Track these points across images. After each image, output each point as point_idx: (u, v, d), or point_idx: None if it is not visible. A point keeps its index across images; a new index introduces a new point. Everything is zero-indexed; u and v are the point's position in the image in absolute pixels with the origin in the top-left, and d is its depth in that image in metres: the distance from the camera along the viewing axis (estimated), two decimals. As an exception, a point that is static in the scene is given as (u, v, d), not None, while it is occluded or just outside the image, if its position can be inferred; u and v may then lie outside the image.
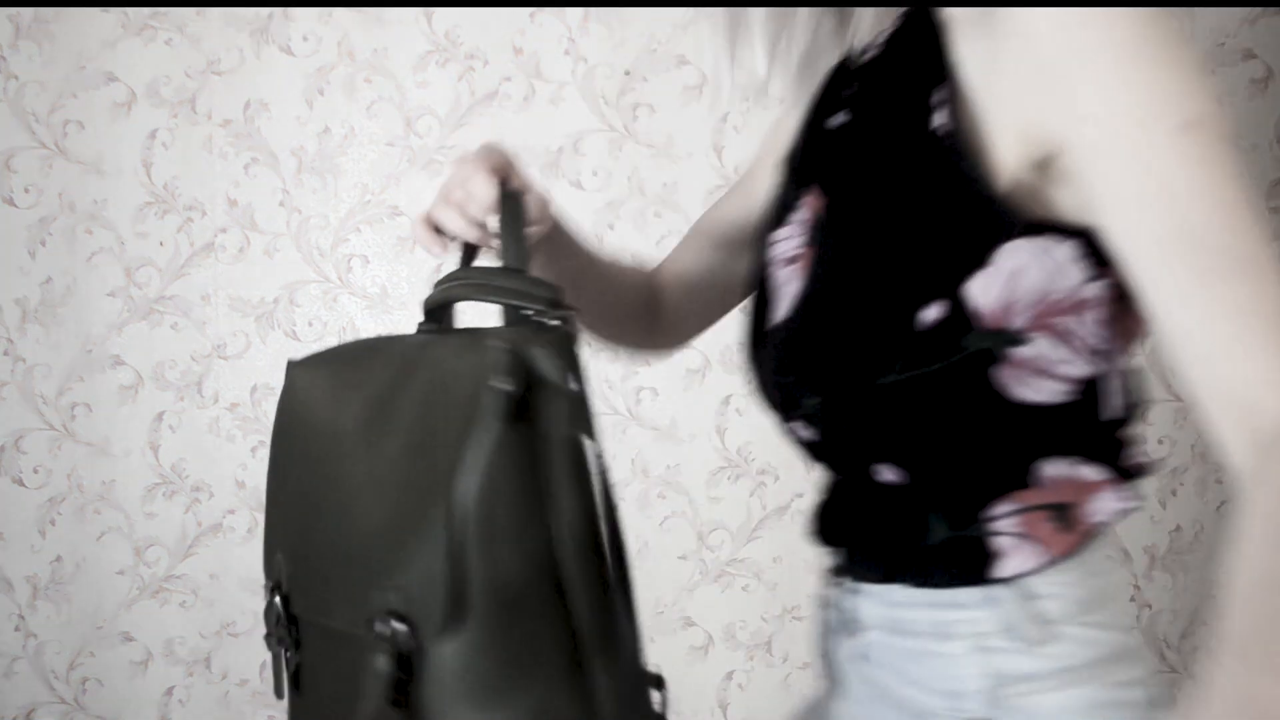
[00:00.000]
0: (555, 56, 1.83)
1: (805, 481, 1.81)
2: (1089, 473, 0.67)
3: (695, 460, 1.86)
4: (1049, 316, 0.60)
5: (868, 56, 0.71)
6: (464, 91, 1.85)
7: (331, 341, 1.88)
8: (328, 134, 1.86)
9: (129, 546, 1.91)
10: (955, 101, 0.61)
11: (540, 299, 0.64)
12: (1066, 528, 0.66)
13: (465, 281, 0.70)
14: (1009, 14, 0.58)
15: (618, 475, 1.83)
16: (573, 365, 0.59)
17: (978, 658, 0.64)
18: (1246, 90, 1.82)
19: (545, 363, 0.58)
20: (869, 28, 0.71)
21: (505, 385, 0.57)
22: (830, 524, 0.73)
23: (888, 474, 0.66)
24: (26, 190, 1.87)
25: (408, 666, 0.57)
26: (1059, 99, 0.57)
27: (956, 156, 0.59)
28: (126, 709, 1.94)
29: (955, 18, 0.63)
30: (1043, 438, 0.64)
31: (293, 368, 0.79)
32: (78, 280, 1.88)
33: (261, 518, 1.90)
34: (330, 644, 0.64)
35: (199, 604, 1.92)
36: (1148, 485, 1.88)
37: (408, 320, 1.88)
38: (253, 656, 1.93)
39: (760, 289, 0.75)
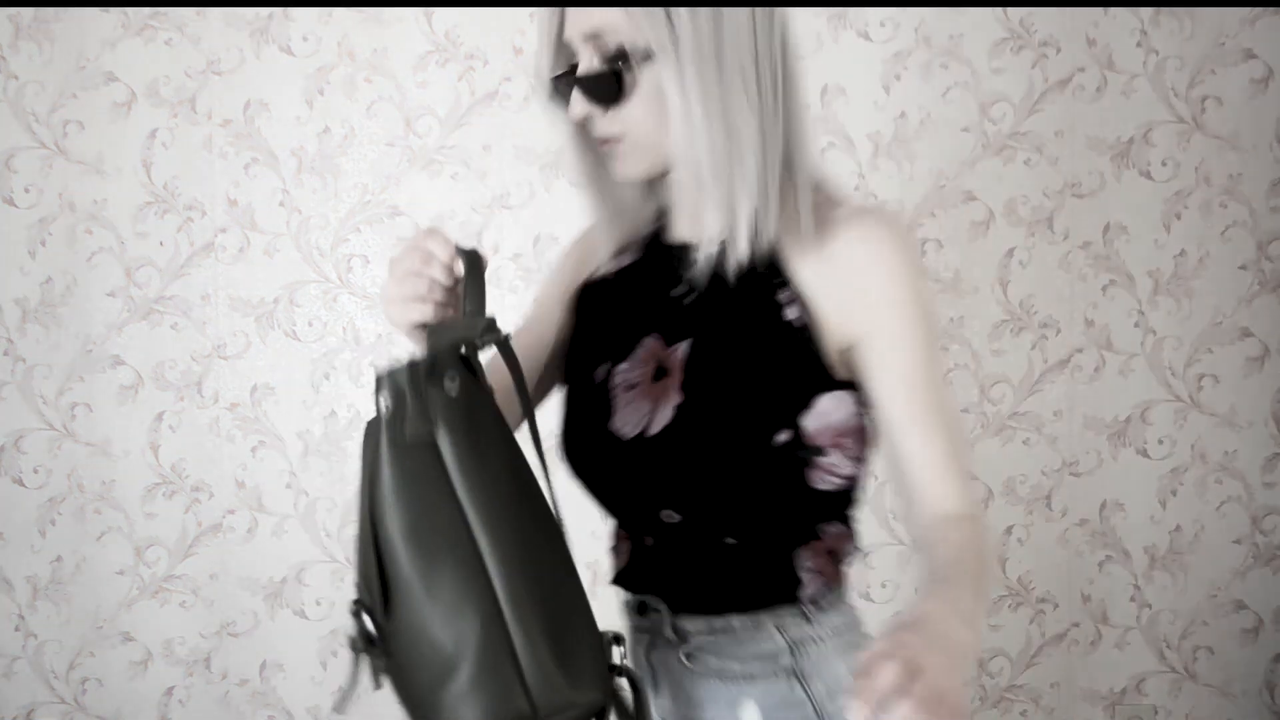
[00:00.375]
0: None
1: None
2: (842, 530, 0.99)
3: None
4: (838, 438, 0.93)
5: (706, 253, 0.94)
6: (464, 91, 1.85)
7: (332, 342, 1.89)
8: (328, 134, 1.86)
9: (129, 546, 1.91)
10: (800, 302, 0.91)
11: (482, 329, 0.82)
12: (835, 564, 0.98)
13: (437, 338, 0.81)
14: (839, 247, 0.91)
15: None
16: (447, 369, 0.80)
17: (781, 632, 0.96)
18: (1247, 90, 1.82)
19: (403, 375, 0.79)
20: (689, 226, 0.97)
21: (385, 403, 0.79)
22: (659, 582, 0.98)
23: (731, 540, 0.94)
24: (26, 190, 1.87)
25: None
26: (866, 312, 0.90)
27: (805, 341, 0.91)
28: (126, 709, 1.94)
29: (790, 238, 0.92)
30: (825, 510, 0.96)
31: None
32: (78, 280, 1.88)
33: (262, 518, 1.90)
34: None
35: (199, 604, 1.92)
36: (1149, 485, 1.88)
37: (408, 320, 1.88)
38: (253, 656, 1.93)
39: (589, 404, 0.98)
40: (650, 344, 0.96)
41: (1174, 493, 1.88)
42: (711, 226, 0.91)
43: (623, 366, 0.97)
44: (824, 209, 0.93)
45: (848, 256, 0.90)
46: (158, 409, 1.89)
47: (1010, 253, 1.85)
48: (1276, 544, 1.89)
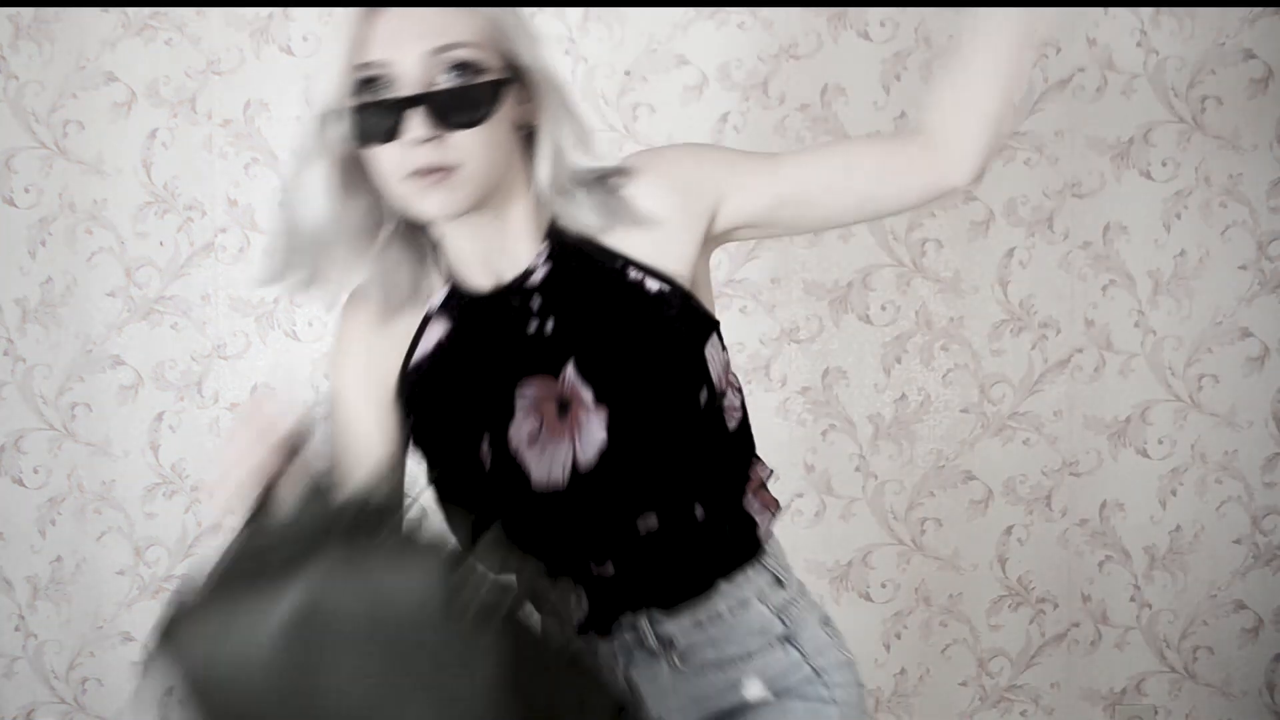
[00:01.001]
0: (555, 57, 1.82)
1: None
2: (757, 460, 1.02)
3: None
4: (725, 376, 0.96)
5: (538, 277, 0.93)
6: (464, 91, 1.85)
7: (331, 342, 1.88)
8: (328, 134, 1.86)
9: (129, 546, 1.91)
10: (647, 269, 0.92)
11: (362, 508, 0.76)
12: (769, 493, 1.02)
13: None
14: (635, 192, 0.93)
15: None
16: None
17: (765, 604, 0.98)
18: (1246, 90, 1.82)
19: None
20: (492, 264, 0.94)
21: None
22: (631, 601, 0.96)
23: (699, 513, 0.94)
24: (27, 190, 1.87)
25: None
26: (700, 191, 0.94)
27: (679, 301, 0.92)
28: (126, 709, 1.94)
29: (591, 228, 0.93)
30: (744, 447, 1.00)
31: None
32: (78, 280, 1.88)
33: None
34: None
35: (199, 604, 1.92)
36: (1149, 485, 1.88)
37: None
38: (253, 656, 1.93)
39: (493, 480, 0.93)
40: (532, 390, 0.92)
41: (1174, 493, 1.88)
42: (550, 245, 0.93)
43: (513, 426, 0.92)
44: (612, 187, 0.95)
45: (648, 190, 0.93)
46: (158, 409, 1.89)
47: (1010, 253, 1.85)
48: (1276, 544, 1.89)
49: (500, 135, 0.87)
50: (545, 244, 0.94)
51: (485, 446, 0.92)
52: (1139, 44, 1.82)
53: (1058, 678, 1.91)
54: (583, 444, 0.91)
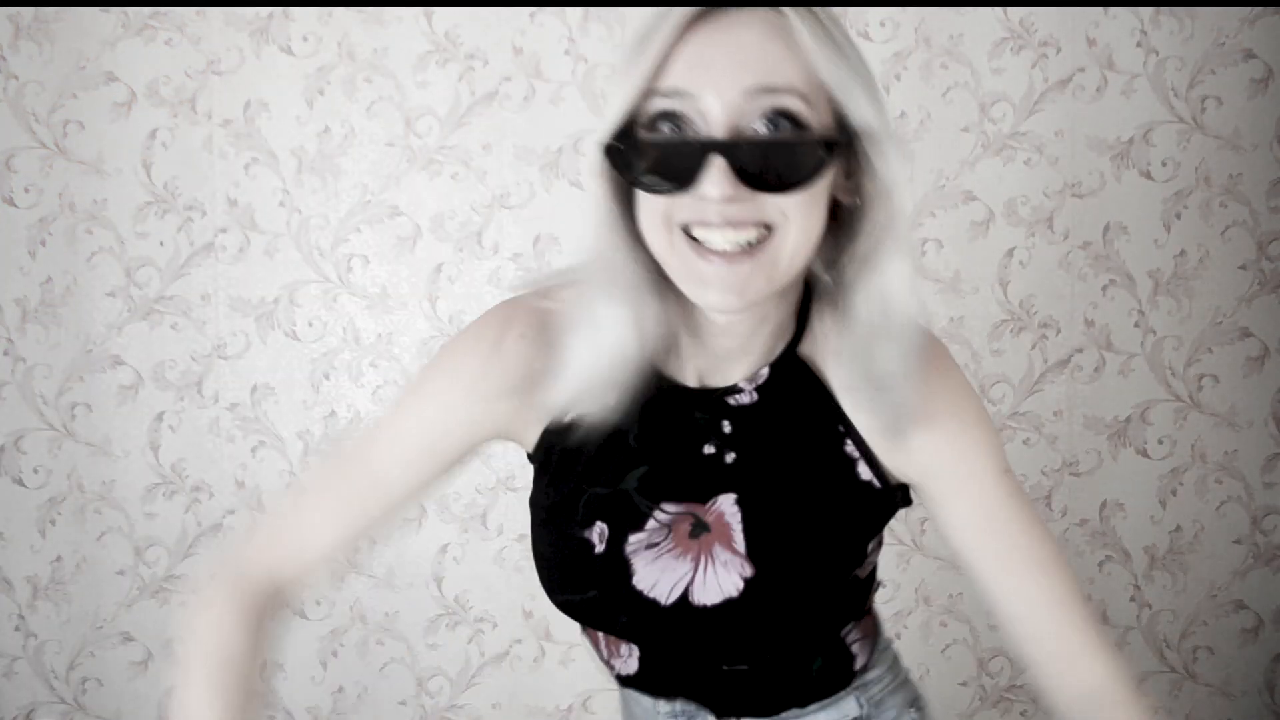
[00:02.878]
0: (555, 56, 1.83)
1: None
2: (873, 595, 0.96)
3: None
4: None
5: (744, 399, 0.79)
6: (464, 91, 1.85)
7: (332, 342, 1.89)
8: (328, 134, 1.86)
9: (129, 546, 1.91)
10: (869, 459, 0.80)
11: None
12: (874, 623, 0.97)
13: None
14: (914, 434, 0.79)
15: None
16: None
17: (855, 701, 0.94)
18: (1246, 90, 1.82)
19: None
20: (718, 369, 0.80)
21: None
22: (695, 692, 0.89)
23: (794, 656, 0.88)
24: (27, 190, 1.87)
25: None
26: (935, 446, 0.80)
27: (882, 497, 0.81)
28: (126, 709, 1.93)
29: (845, 386, 0.78)
30: (868, 591, 0.92)
31: None
32: (78, 280, 1.88)
33: (261, 517, 1.90)
34: None
35: (199, 604, 1.92)
36: (1148, 485, 1.88)
37: (408, 320, 1.88)
38: (253, 656, 1.93)
39: (607, 557, 0.81)
40: (674, 511, 0.81)
41: (1174, 493, 1.88)
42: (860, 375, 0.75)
43: (638, 535, 0.81)
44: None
45: (935, 414, 0.79)
46: (158, 409, 1.89)
47: (1010, 252, 1.85)
48: (1276, 544, 1.89)
49: (819, 212, 0.69)
50: (768, 370, 0.79)
51: (594, 535, 0.81)
52: (1139, 44, 1.82)
53: (1058, 678, 1.91)
54: (708, 582, 0.79)
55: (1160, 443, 1.88)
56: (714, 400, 0.79)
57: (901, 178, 0.69)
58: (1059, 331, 1.86)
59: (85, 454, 1.90)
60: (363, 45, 1.84)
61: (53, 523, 1.91)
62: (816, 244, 0.70)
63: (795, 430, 0.79)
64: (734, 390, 0.79)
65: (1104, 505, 1.89)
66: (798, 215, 0.66)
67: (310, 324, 1.89)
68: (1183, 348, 1.86)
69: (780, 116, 0.65)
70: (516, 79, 1.84)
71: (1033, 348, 1.86)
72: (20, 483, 1.90)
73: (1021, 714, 1.92)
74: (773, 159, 0.65)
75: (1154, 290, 1.86)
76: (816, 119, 0.66)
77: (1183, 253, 1.85)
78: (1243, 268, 1.85)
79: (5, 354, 1.89)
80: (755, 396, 0.79)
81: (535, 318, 0.80)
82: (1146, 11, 1.82)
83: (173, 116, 1.86)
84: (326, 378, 1.89)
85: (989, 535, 0.79)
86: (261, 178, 1.87)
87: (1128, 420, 1.87)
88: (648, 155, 0.67)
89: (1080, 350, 1.87)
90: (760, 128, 0.65)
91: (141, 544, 1.91)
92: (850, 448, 0.80)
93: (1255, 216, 1.84)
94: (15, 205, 1.87)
